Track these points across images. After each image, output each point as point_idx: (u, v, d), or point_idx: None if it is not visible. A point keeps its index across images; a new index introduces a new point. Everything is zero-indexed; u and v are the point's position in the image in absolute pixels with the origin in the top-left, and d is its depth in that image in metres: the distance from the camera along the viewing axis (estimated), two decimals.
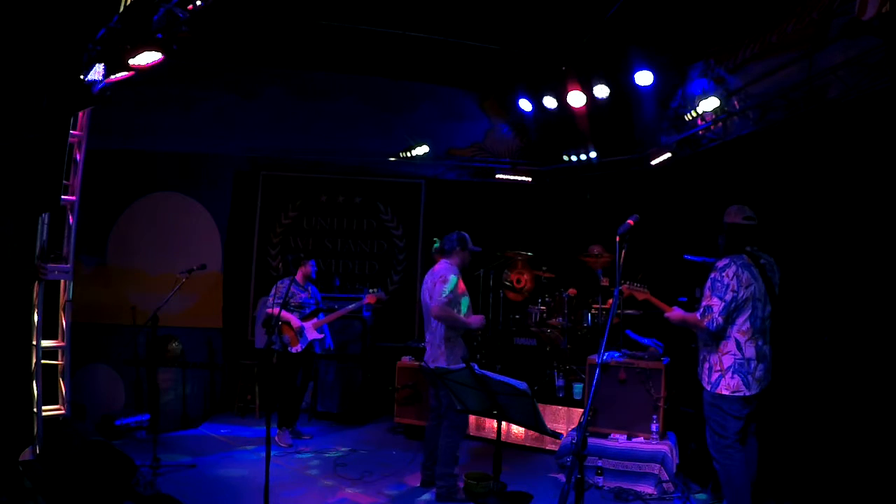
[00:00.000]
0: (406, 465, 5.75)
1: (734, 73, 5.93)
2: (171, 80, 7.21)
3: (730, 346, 3.85)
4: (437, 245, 5.32)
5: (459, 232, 5.22)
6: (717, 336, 3.88)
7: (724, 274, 3.84)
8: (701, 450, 4.96)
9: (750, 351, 3.83)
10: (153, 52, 3.95)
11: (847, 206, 4.83)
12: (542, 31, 6.52)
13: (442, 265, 5.11)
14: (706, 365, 3.95)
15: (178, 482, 4.99)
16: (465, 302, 5.02)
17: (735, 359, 3.83)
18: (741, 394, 3.80)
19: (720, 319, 3.80)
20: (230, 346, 8.03)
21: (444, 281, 4.92)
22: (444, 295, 4.84)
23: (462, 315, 4.94)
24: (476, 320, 5.02)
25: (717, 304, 3.81)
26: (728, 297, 3.79)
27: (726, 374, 3.83)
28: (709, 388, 3.91)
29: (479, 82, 8.25)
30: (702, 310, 3.87)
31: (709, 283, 3.90)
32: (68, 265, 5.41)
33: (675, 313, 4.16)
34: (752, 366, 3.83)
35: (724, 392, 3.83)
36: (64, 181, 5.06)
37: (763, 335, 3.91)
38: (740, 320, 3.84)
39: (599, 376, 2.99)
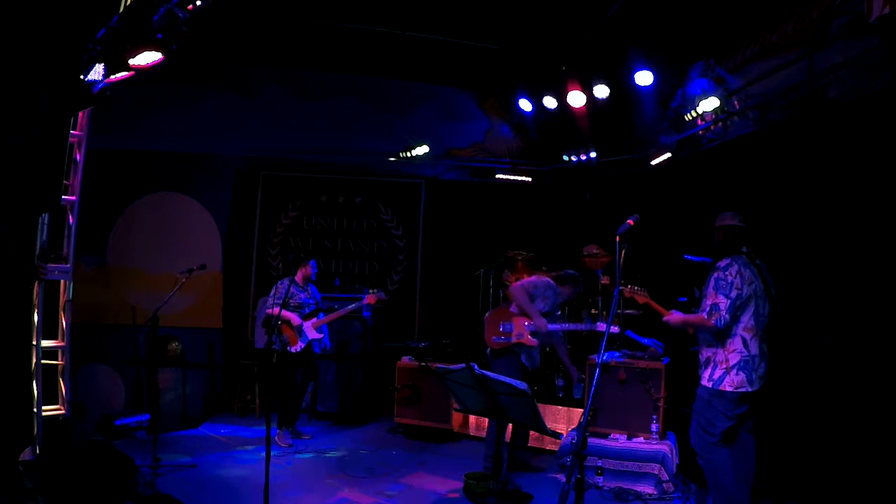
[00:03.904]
0: (406, 465, 5.75)
1: (734, 73, 5.93)
2: (171, 80, 7.21)
3: (736, 343, 3.88)
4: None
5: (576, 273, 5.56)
6: (722, 335, 3.91)
7: (727, 273, 3.89)
8: None
9: (755, 348, 3.88)
10: (153, 52, 3.96)
11: (847, 206, 4.83)
12: (542, 31, 6.51)
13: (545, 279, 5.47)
14: (710, 364, 3.97)
15: (178, 482, 4.99)
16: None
17: (742, 356, 3.86)
18: (744, 390, 3.83)
19: (727, 317, 3.84)
20: (230, 346, 8.03)
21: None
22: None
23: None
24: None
25: (723, 302, 3.84)
26: (733, 294, 3.84)
27: (731, 371, 3.86)
28: (710, 385, 3.92)
29: (479, 82, 8.25)
30: (708, 308, 3.89)
31: (712, 283, 3.93)
32: (68, 265, 5.41)
33: (675, 316, 4.17)
34: (757, 362, 3.87)
35: (727, 388, 3.85)
36: (64, 181, 5.06)
37: (764, 333, 3.95)
38: (745, 318, 3.88)
39: (599, 376, 2.99)
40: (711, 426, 3.89)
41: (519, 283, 5.40)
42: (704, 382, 3.98)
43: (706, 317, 3.88)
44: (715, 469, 3.89)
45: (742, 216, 4.07)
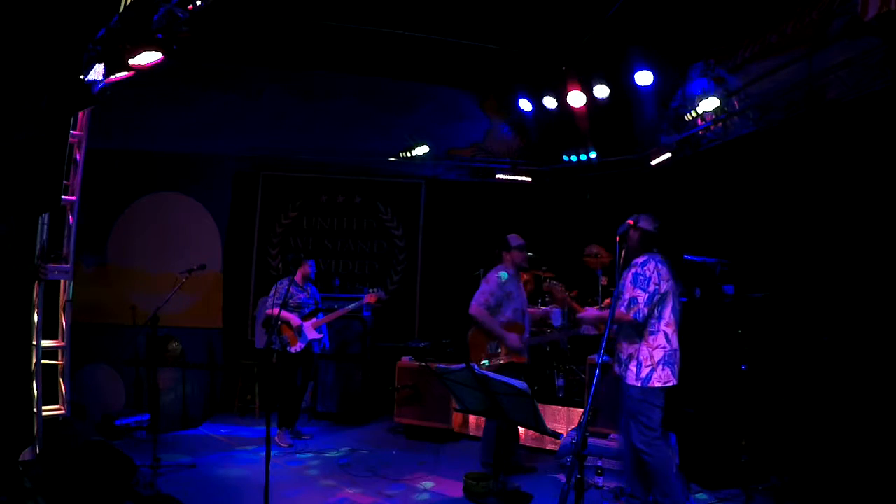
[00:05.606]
0: (406, 465, 5.74)
1: (734, 73, 5.94)
2: (171, 80, 7.19)
3: (660, 339, 3.99)
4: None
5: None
6: (644, 331, 4.00)
7: (645, 268, 4.01)
8: (700, 449, 4.96)
9: (675, 342, 4.01)
10: (153, 52, 3.96)
11: (847, 206, 4.83)
12: (542, 31, 6.51)
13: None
14: (633, 362, 4.03)
15: (178, 482, 4.99)
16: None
17: (665, 351, 3.97)
18: (671, 384, 3.96)
19: (645, 310, 3.95)
20: (230, 346, 8.03)
21: (486, 281, 5.06)
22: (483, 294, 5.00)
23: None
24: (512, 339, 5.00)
25: (641, 296, 3.95)
26: (651, 288, 3.96)
27: (657, 367, 3.96)
28: (639, 384, 3.99)
29: (479, 82, 8.24)
30: (626, 302, 3.99)
31: (630, 278, 4.03)
32: (68, 265, 5.41)
33: (589, 313, 4.42)
34: (678, 356, 4.01)
35: (657, 384, 3.95)
36: (64, 181, 5.06)
37: (678, 330, 4.08)
38: (666, 313, 4.00)
39: (599, 376, 3.00)
40: (651, 421, 3.97)
41: (475, 304, 5.01)
42: (632, 381, 4.02)
43: (625, 311, 3.98)
44: (659, 463, 3.97)
45: (660, 223, 4.17)
